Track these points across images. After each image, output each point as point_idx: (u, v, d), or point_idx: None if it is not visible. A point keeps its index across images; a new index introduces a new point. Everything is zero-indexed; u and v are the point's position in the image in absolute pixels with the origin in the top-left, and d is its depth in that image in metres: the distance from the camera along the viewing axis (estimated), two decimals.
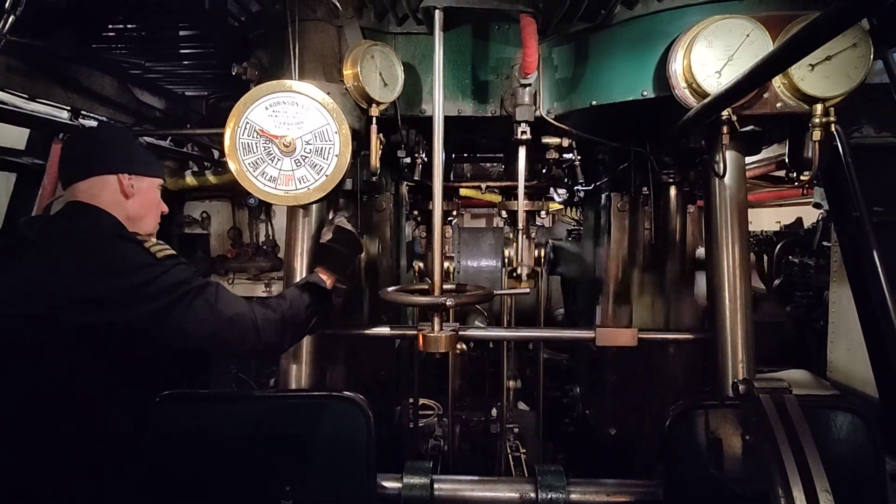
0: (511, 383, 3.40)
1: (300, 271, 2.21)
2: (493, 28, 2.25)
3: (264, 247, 5.19)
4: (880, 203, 2.48)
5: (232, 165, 1.91)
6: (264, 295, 5.10)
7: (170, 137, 3.71)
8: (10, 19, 1.62)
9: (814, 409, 1.86)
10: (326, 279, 2.03)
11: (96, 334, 1.55)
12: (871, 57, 1.79)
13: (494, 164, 4.06)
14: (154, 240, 1.71)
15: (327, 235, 2.15)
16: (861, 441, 1.91)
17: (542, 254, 2.92)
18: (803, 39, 1.22)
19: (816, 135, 1.83)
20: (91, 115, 2.83)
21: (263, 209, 5.16)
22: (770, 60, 1.38)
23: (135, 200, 1.78)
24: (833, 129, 1.85)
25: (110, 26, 2.41)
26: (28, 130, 3.10)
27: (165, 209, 1.91)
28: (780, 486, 1.47)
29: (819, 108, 1.82)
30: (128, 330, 1.57)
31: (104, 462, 1.65)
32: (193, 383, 1.99)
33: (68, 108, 2.72)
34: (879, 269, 2.29)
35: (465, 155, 3.82)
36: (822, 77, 1.79)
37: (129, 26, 2.43)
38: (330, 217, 2.28)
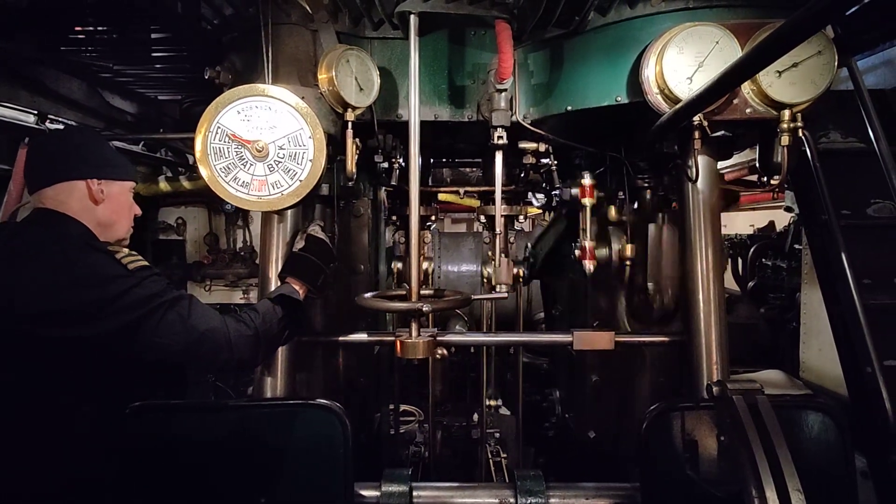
0: (492, 402, 3.42)
1: (274, 279, 2.17)
2: (468, 34, 2.26)
3: (242, 253, 5.11)
4: (847, 206, 2.54)
5: (203, 171, 1.88)
6: (242, 302, 5.02)
7: (142, 142, 3.64)
8: None
9: (786, 409, 1.89)
10: (299, 289, 2.00)
11: (66, 347, 1.51)
12: (836, 64, 1.83)
13: (474, 170, 4.07)
14: (126, 250, 1.67)
15: (300, 244, 2.12)
16: (832, 439, 1.95)
17: (521, 273, 2.94)
18: (770, 46, 1.25)
19: (785, 139, 1.88)
20: (59, 119, 2.76)
21: (241, 215, 5.09)
22: (739, 66, 1.40)
23: (105, 206, 1.73)
24: (801, 133, 1.90)
25: (78, 28, 2.35)
26: None
27: (138, 211, 1.86)
28: (753, 486, 1.49)
29: (787, 113, 1.86)
30: (98, 343, 1.54)
31: (74, 474, 1.60)
32: (170, 394, 1.96)
33: (34, 111, 2.65)
34: (847, 271, 2.35)
35: (444, 160, 3.82)
36: (788, 83, 1.83)
37: (98, 28, 2.37)
38: (304, 225, 2.26)
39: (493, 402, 3.44)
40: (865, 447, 2.28)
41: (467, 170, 4.16)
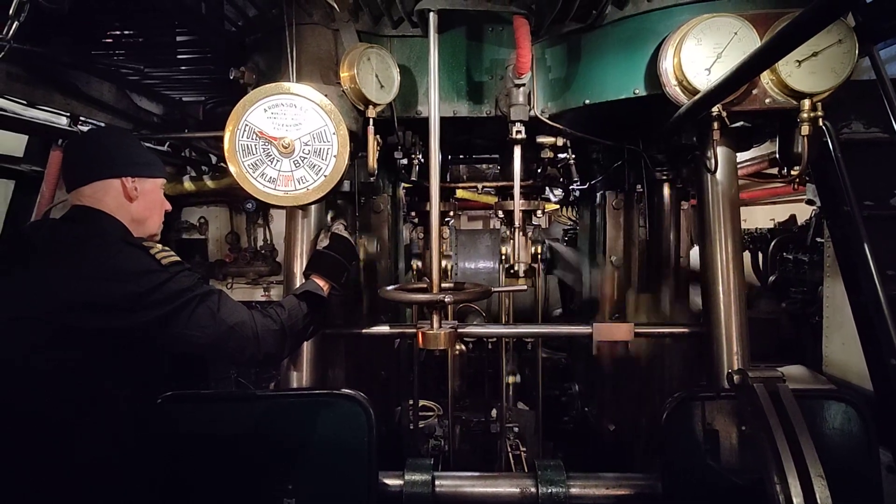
0: (510, 378, 3.40)
1: (299, 273, 2.23)
2: (486, 30, 2.29)
3: (262, 251, 5.20)
4: (870, 197, 2.51)
5: (232, 168, 1.94)
6: (263, 299, 5.11)
7: (168, 143, 3.73)
8: (14, 25, 1.64)
9: (808, 400, 1.88)
10: (323, 286, 2.05)
11: (99, 338, 1.57)
12: (857, 53, 1.83)
13: (490, 167, 4.10)
14: (159, 246, 1.73)
15: (324, 242, 2.17)
16: (855, 431, 1.94)
17: (539, 250, 2.94)
18: (789, 35, 1.25)
19: (805, 129, 1.87)
20: (90, 120, 2.85)
21: (261, 213, 5.17)
22: (757, 56, 1.41)
23: (139, 203, 1.80)
24: (821, 123, 1.90)
25: (108, 32, 2.43)
26: (26, 137, 3.12)
27: (169, 207, 1.93)
28: (775, 473, 1.50)
29: (807, 103, 1.86)
30: (131, 335, 1.60)
31: (103, 464, 1.65)
32: (193, 387, 2.02)
33: (67, 114, 2.74)
34: (870, 263, 2.32)
35: (462, 156, 3.85)
36: (808, 73, 1.83)
37: (126, 32, 2.45)
38: (328, 223, 2.31)
39: (512, 378, 3.41)
40: (890, 441, 2.25)
41: (484, 166, 4.19)
